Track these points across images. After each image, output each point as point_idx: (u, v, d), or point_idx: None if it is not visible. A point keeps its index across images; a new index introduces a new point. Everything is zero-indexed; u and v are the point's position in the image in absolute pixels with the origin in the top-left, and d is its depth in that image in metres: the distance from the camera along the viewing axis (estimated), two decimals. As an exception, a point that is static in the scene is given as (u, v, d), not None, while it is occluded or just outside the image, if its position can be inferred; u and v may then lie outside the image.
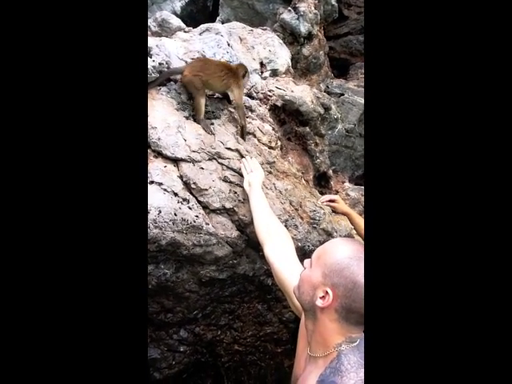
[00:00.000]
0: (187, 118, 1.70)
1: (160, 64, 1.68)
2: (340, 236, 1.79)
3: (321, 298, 0.83)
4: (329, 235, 1.78)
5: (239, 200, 1.59)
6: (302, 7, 2.25)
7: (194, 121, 1.70)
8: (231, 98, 1.81)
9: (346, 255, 0.82)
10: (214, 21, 2.63)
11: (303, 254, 1.69)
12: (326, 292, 0.81)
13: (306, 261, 0.93)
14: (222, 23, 2.48)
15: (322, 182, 2.32)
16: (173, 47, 1.90)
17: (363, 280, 0.78)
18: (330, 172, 2.32)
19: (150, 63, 1.65)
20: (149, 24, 2.13)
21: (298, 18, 2.25)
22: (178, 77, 1.75)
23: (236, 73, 1.74)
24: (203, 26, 2.17)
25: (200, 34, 2.13)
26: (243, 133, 1.76)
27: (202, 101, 1.66)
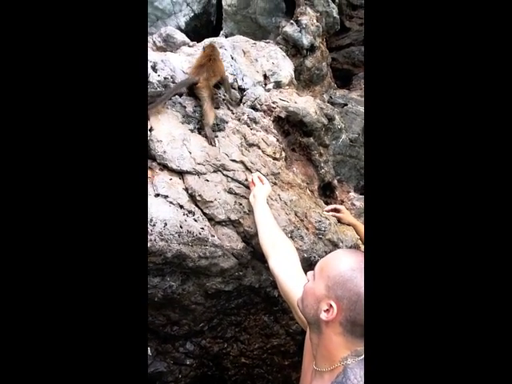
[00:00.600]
0: (192, 130, 1.72)
1: (165, 78, 1.70)
2: (346, 247, 1.78)
3: (325, 311, 0.82)
4: (335, 246, 1.77)
5: (244, 212, 1.59)
6: (304, 20, 2.28)
7: (199, 133, 1.72)
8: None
9: (349, 267, 0.81)
10: (217, 35, 2.67)
11: (309, 264, 1.68)
12: (330, 305, 0.81)
13: (309, 273, 0.93)
14: (226, 37, 2.52)
15: (327, 192, 2.31)
16: (177, 62, 1.94)
17: None
18: (335, 182, 2.32)
19: (156, 78, 1.68)
20: (154, 39, 2.18)
21: (300, 31, 2.28)
22: (183, 90, 1.78)
23: (215, 53, 1.84)
24: (207, 41, 2.21)
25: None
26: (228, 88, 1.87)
27: (213, 106, 1.72)
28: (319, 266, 0.88)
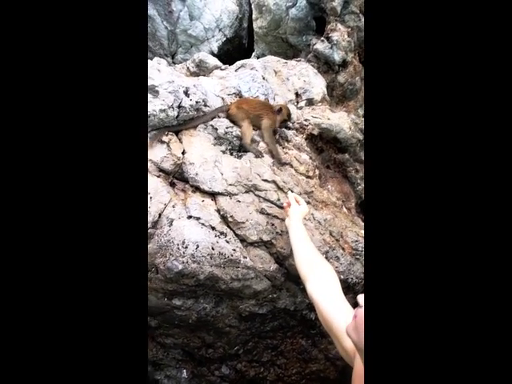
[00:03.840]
0: (224, 152, 1.73)
1: (197, 102, 1.75)
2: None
3: None
4: (373, 266, 1.68)
5: (277, 232, 1.56)
6: (335, 36, 2.26)
7: (231, 154, 1.73)
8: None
9: None
10: (249, 57, 2.73)
11: (346, 287, 1.61)
12: None
13: (361, 296, 0.83)
14: (258, 58, 2.56)
15: (364, 210, 2.23)
16: (209, 85, 1.99)
17: None
18: (373, 198, 2.23)
19: (188, 102, 1.72)
20: (188, 65, 2.26)
21: (331, 47, 2.26)
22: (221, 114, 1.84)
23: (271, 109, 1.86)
24: (238, 63, 2.26)
25: (236, 71, 2.21)
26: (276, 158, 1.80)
27: (250, 126, 1.77)
28: None
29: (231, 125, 1.81)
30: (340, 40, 2.24)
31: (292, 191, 1.64)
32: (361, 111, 2.38)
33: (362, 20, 2.32)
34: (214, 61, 2.24)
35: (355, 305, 0.86)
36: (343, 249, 1.66)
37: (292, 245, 1.38)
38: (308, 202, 1.75)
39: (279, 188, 1.69)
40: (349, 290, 1.61)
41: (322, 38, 2.31)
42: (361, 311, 0.81)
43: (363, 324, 0.78)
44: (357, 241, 1.70)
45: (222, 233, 1.51)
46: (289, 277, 1.58)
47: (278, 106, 1.89)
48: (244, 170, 1.67)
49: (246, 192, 1.63)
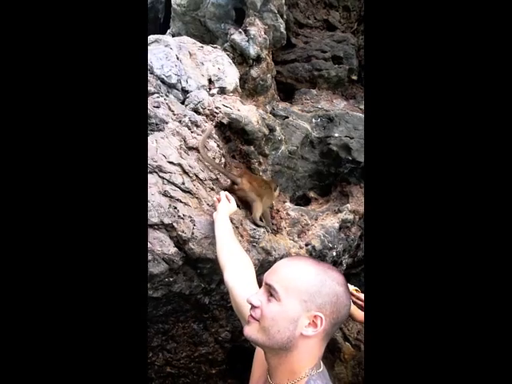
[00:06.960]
0: (129, 128, 1.64)
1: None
2: (279, 255, 1.82)
3: (307, 325, 0.80)
4: (268, 254, 1.80)
5: (179, 216, 1.55)
6: (253, 31, 2.32)
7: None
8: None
9: (313, 273, 0.81)
10: (164, 33, 2.61)
11: (242, 272, 1.69)
12: (315, 317, 0.79)
13: (254, 298, 0.85)
14: (173, 36, 2.47)
15: (264, 201, 2.35)
16: (118, 55, 1.85)
17: (339, 286, 0.81)
18: (272, 191, 2.36)
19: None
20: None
21: (248, 41, 2.31)
22: None
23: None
24: (152, 37, 2.15)
25: (149, 45, 2.10)
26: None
27: (261, 205, 1.85)
28: (282, 287, 0.81)
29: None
30: (257, 35, 2.31)
31: (198, 176, 1.65)
32: (269, 107, 2.49)
33: (279, 20, 2.42)
34: (125, 29, 2.08)
35: None
36: (242, 236, 1.74)
37: (216, 236, 1.46)
38: (212, 189, 1.78)
39: (184, 172, 1.68)
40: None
41: (240, 30, 2.35)
42: (269, 311, 0.82)
43: (276, 322, 0.81)
44: (254, 229, 1.79)
45: (120, 212, 1.43)
46: (187, 261, 1.58)
47: (273, 183, 2.02)
48: (149, 150, 1.61)
49: (150, 173, 1.58)
